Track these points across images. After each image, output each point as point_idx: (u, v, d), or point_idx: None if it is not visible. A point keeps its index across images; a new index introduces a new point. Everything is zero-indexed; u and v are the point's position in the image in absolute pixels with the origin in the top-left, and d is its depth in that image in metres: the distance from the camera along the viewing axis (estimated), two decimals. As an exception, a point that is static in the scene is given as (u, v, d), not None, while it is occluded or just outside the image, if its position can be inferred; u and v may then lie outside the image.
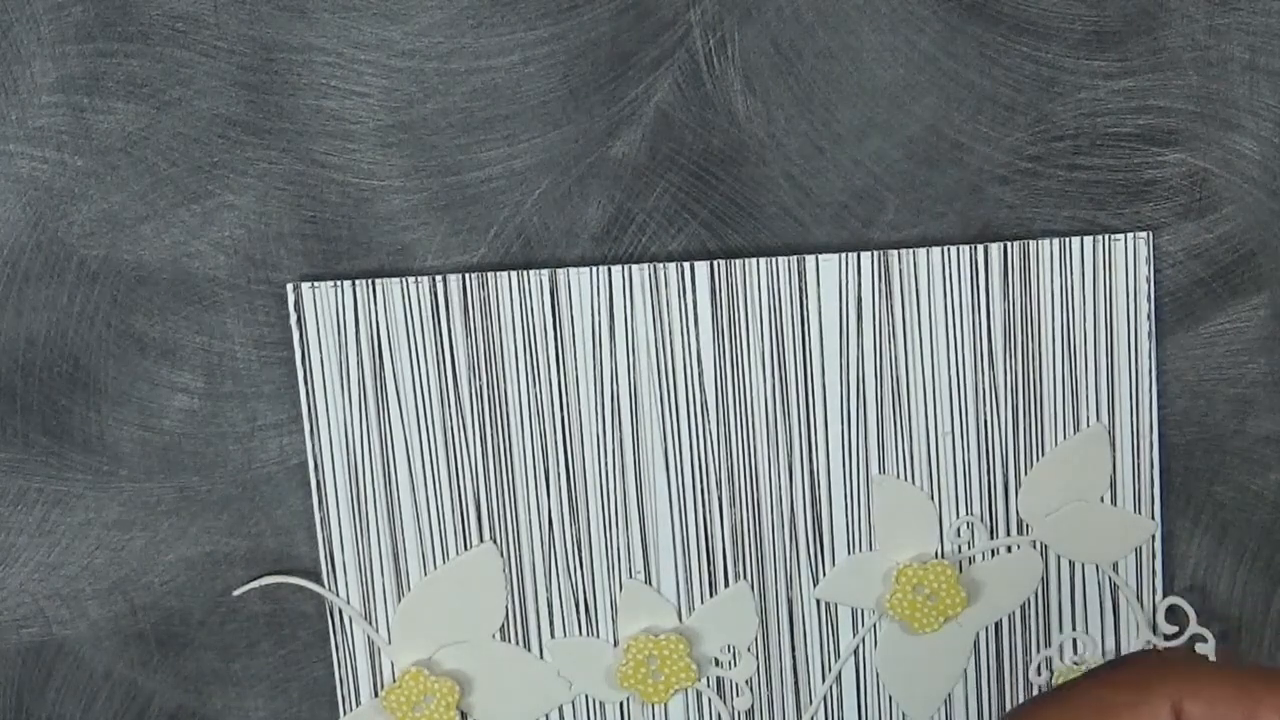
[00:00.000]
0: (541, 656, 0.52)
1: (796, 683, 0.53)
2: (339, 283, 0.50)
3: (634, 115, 0.50)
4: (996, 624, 0.53)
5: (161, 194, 0.50)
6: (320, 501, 0.51)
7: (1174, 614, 0.54)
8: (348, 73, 0.49)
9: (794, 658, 0.53)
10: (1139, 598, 0.53)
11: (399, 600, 0.51)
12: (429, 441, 0.51)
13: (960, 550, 0.52)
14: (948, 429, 0.51)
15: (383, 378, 0.50)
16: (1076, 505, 0.52)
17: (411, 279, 0.50)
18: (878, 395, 0.51)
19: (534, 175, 0.50)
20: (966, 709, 0.53)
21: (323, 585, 0.51)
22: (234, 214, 0.50)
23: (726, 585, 0.52)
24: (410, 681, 0.51)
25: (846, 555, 0.52)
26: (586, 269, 0.50)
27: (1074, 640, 0.53)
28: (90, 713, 0.53)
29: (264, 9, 0.49)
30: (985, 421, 0.52)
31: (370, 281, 0.50)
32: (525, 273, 0.50)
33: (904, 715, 0.53)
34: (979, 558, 0.52)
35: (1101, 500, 0.52)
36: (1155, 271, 0.51)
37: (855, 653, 0.53)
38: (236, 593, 0.52)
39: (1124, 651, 0.53)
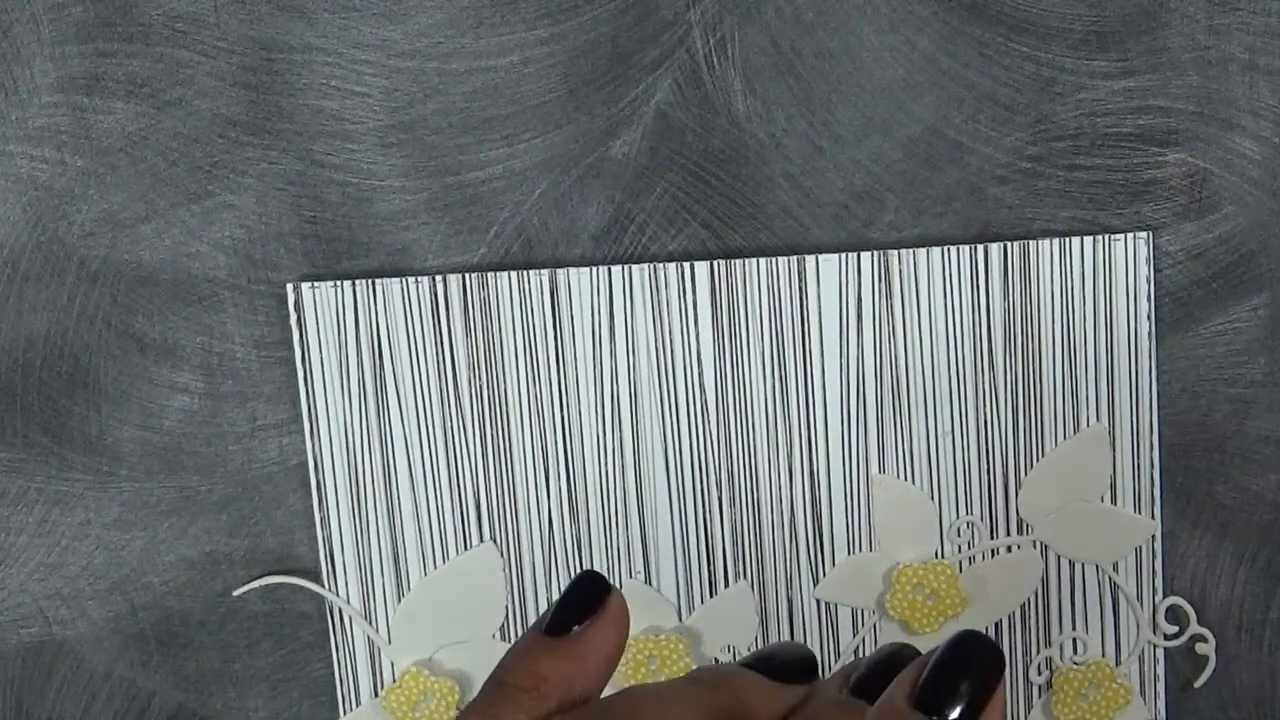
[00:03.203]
0: (541, 656, 0.52)
1: (796, 683, 0.53)
2: (339, 283, 0.50)
3: (634, 115, 0.50)
4: (996, 624, 0.53)
5: (161, 194, 0.50)
6: (320, 501, 0.51)
7: (1174, 614, 0.54)
8: (348, 73, 0.49)
9: (794, 658, 0.53)
10: (1139, 598, 0.53)
11: (399, 600, 0.51)
12: (429, 441, 0.51)
13: (960, 550, 0.52)
14: (948, 429, 0.51)
15: (383, 378, 0.50)
16: (1076, 505, 0.52)
17: (411, 279, 0.50)
18: (878, 395, 0.51)
19: (534, 175, 0.50)
20: (966, 709, 0.53)
21: (323, 585, 0.51)
22: (234, 214, 0.50)
23: (726, 585, 0.52)
24: (410, 681, 0.51)
25: (846, 555, 0.52)
26: (586, 269, 0.50)
27: (1074, 640, 0.53)
28: (90, 713, 0.53)
29: (264, 9, 0.49)
30: (985, 421, 0.52)
31: (370, 281, 0.50)
32: (525, 273, 0.50)
33: (904, 715, 0.53)
34: (979, 558, 0.52)
35: (1101, 500, 0.52)
36: (1155, 271, 0.51)
37: (855, 653, 0.53)
38: (236, 593, 0.52)
39: (1124, 652, 0.53)
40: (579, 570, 0.51)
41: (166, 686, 0.53)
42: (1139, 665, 0.53)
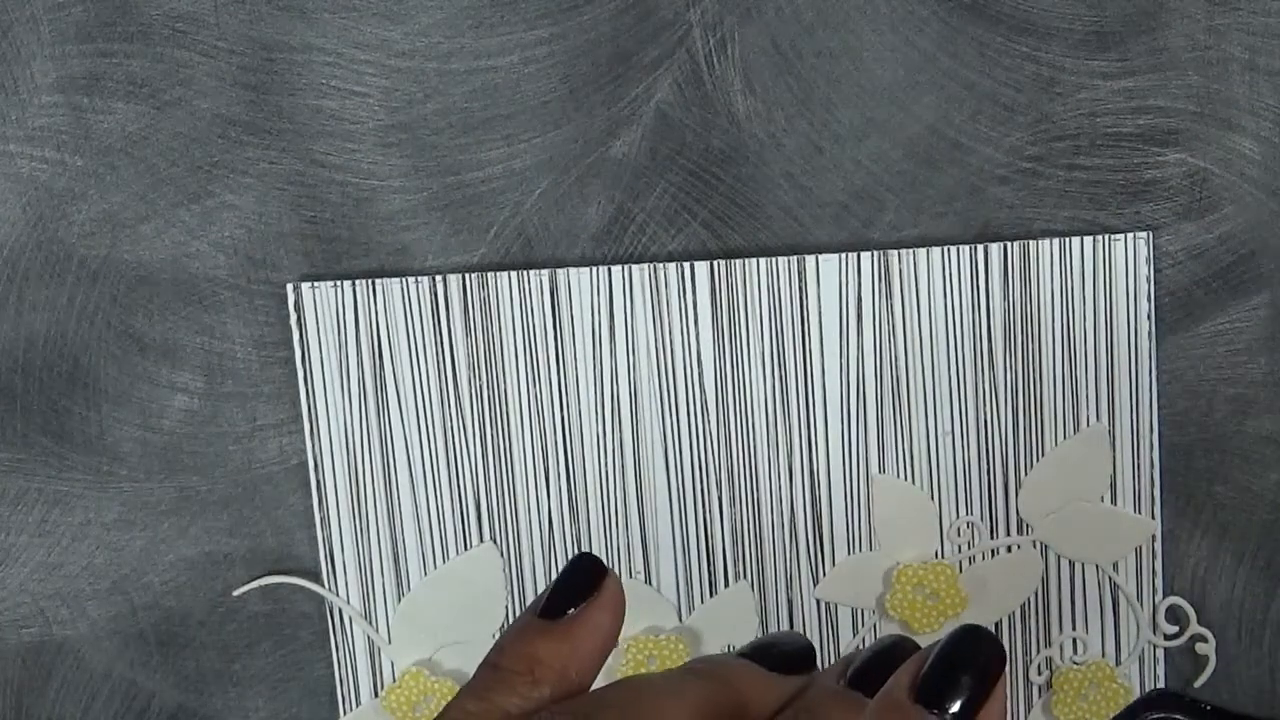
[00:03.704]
0: (541, 656, 0.52)
1: (796, 683, 0.53)
2: (339, 283, 0.50)
3: (634, 115, 0.50)
4: (996, 624, 0.53)
5: (161, 194, 0.50)
6: (320, 501, 0.51)
7: (1174, 614, 0.54)
8: (348, 73, 0.49)
9: (794, 658, 0.53)
10: (1139, 598, 0.53)
11: (399, 600, 0.51)
12: (429, 441, 0.51)
13: (960, 550, 0.52)
14: (948, 429, 0.51)
15: (383, 378, 0.50)
16: (1076, 505, 0.52)
17: (411, 279, 0.50)
18: (878, 395, 0.51)
19: (534, 175, 0.50)
20: (966, 709, 0.53)
21: (323, 585, 0.51)
22: (234, 214, 0.50)
23: (726, 585, 0.52)
24: (410, 681, 0.51)
25: (846, 555, 0.52)
26: (586, 269, 0.50)
27: (1074, 640, 0.53)
28: (90, 713, 0.53)
29: (264, 9, 0.49)
30: (985, 421, 0.52)
31: (370, 281, 0.50)
32: (525, 273, 0.50)
33: (904, 715, 0.53)
34: (979, 558, 0.52)
35: (1101, 500, 0.52)
36: (1155, 271, 0.51)
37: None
38: (236, 593, 0.52)
39: (1124, 652, 0.53)
40: (579, 570, 0.51)
41: (166, 686, 0.53)
42: (1139, 665, 0.53)
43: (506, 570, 0.52)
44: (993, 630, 0.53)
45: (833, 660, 0.53)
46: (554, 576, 0.52)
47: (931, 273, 0.50)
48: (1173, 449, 0.52)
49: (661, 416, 0.51)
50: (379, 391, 0.50)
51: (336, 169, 0.50)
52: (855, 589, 0.52)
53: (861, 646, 0.53)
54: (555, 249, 0.50)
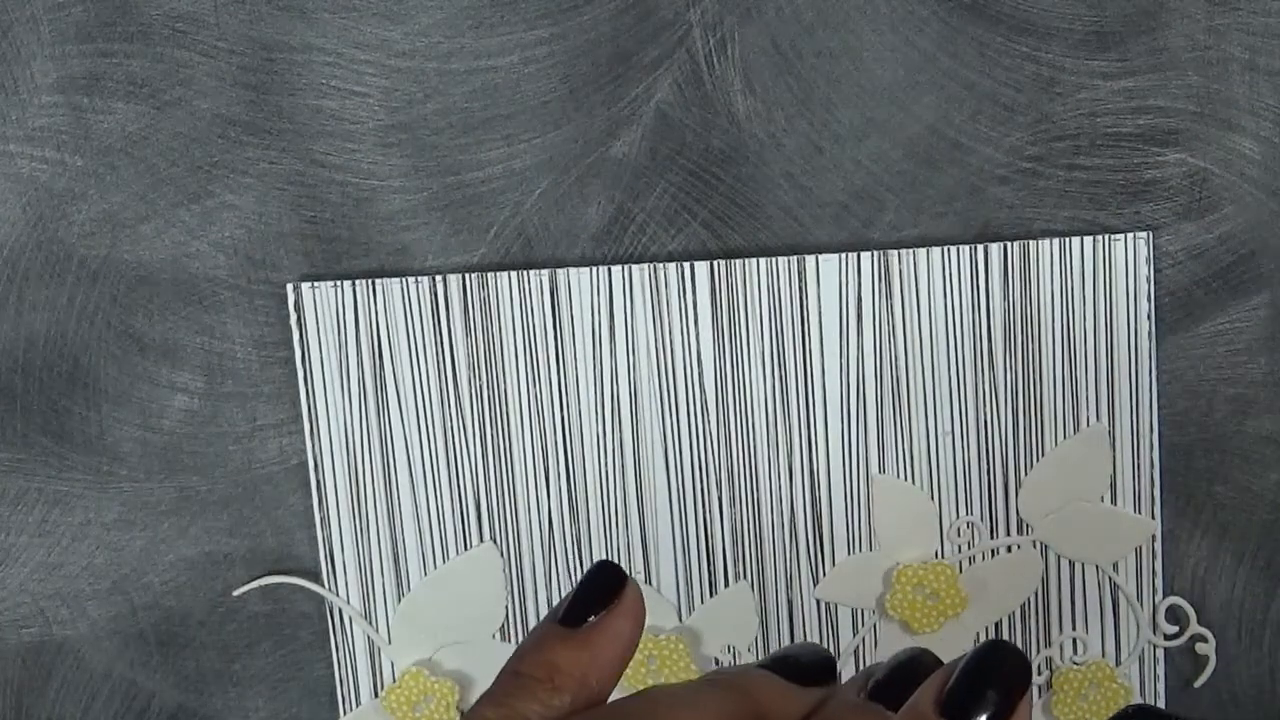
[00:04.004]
0: (541, 656, 0.52)
1: (796, 683, 0.53)
2: (339, 283, 0.50)
3: (634, 115, 0.50)
4: (996, 624, 0.53)
5: (161, 194, 0.50)
6: (320, 501, 0.51)
7: (1174, 614, 0.54)
8: (348, 73, 0.49)
9: (794, 658, 0.53)
10: (1139, 598, 0.53)
11: (399, 600, 0.51)
12: (429, 441, 0.51)
13: (960, 550, 0.52)
14: (948, 429, 0.51)
15: (383, 378, 0.50)
16: (1076, 505, 0.52)
17: (411, 279, 0.50)
18: (878, 395, 0.51)
19: (534, 175, 0.50)
20: (966, 709, 0.53)
21: (323, 585, 0.51)
22: (234, 214, 0.50)
23: (726, 585, 0.52)
24: (410, 681, 0.51)
25: (846, 555, 0.52)
26: (586, 269, 0.50)
27: (1074, 640, 0.53)
28: (90, 713, 0.53)
29: (264, 9, 0.49)
30: (985, 421, 0.52)
31: (370, 281, 0.50)
32: (525, 273, 0.50)
33: (904, 715, 0.53)
34: (979, 558, 0.52)
35: (1101, 500, 0.52)
36: (1155, 271, 0.51)
37: (855, 653, 0.53)
38: (236, 593, 0.52)
39: (1124, 652, 0.53)
40: (579, 570, 0.51)
41: (166, 686, 0.53)
42: (1139, 665, 0.53)
43: (506, 570, 0.52)
44: (993, 630, 0.53)
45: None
46: (554, 577, 0.52)
47: (931, 273, 0.50)
48: (1173, 449, 0.52)
49: (661, 416, 0.51)
50: (379, 391, 0.50)
51: (336, 169, 0.50)
52: (855, 589, 0.52)
53: (862, 648, 0.53)
54: (555, 249, 0.50)
